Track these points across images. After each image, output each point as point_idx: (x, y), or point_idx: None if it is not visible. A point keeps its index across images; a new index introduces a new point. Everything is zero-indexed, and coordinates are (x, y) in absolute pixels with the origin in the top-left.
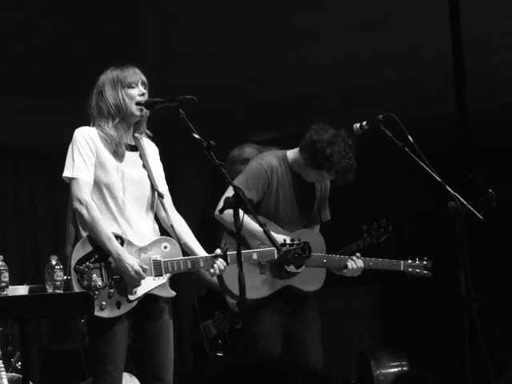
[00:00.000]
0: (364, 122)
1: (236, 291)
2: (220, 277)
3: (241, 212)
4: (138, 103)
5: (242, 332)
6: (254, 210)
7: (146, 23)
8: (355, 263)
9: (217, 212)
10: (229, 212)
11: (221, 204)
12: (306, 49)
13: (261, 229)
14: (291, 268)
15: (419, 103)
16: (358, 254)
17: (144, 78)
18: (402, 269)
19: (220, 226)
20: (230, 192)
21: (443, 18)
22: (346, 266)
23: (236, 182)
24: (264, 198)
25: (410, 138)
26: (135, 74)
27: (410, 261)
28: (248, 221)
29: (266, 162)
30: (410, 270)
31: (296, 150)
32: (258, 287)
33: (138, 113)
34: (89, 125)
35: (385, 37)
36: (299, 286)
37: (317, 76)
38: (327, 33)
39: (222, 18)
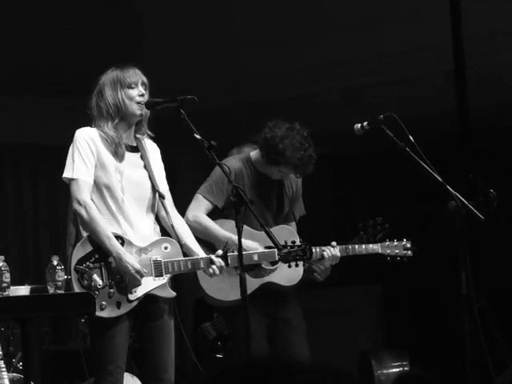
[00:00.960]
0: (365, 122)
1: (214, 294)
2: (196, 281)
3: (202, 218)
4: (138, 103)
5: (229, 334)
6: (222, 214)
7: (146, 23)
8: (331, 252)
9: (186, 219)
10: (196, 220)
11: (189, 214)
12: (305, 49)
13: (223, 235)
14: (267, 265)
15: (420, 103)
16: (333, 243)
17: (144, 79)
18: (380, 251)
19: None
20: (196, 202)
21: (444, 17)
22: (322, 257)
23: (201, 188)
24: None
25: (410, 137)
26: (135, 75)
27: (387, 242)
28: (214, 226)
29: (229, 165)
30: (388, 251)
31: (258, 150)
32: (236, 288)
33: (138, 112)
34: (90, 125)
35: (385, 37)
36: (278, 282)
37: (317, 76)
38: (327, 33)
39: (221, 17)
